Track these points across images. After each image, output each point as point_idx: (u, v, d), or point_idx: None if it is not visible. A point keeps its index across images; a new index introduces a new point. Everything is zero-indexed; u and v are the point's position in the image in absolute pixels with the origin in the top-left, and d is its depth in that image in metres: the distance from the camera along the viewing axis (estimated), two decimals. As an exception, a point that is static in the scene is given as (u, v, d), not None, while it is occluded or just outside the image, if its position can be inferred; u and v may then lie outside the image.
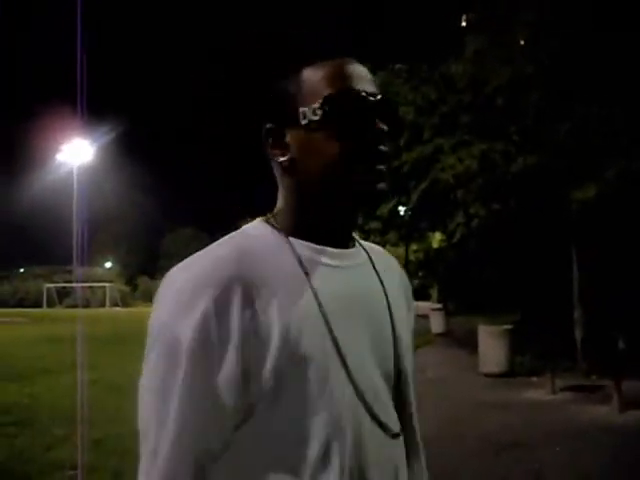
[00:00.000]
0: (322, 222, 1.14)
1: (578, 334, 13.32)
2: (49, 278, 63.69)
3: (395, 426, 1.15)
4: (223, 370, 0.99)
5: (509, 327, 13.04)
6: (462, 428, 8.03)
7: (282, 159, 1.13)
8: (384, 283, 1.21)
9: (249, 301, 1.01)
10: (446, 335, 22.06)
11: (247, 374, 1.00)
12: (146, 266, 71.97)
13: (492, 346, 12.62)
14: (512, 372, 12.42)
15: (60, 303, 59.30)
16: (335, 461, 1.03)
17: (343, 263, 1.14)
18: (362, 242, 1.28)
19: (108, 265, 75.37)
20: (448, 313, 23.83)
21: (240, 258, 1.05)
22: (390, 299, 1.20)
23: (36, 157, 68.52)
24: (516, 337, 12.88)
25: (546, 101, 12.22)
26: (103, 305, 58.13)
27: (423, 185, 16.52)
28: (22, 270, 71.10)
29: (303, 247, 1.11)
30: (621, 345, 10.46)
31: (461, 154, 13.98)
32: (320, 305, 1.06)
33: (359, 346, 1.11)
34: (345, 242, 1.18)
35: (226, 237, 1.13)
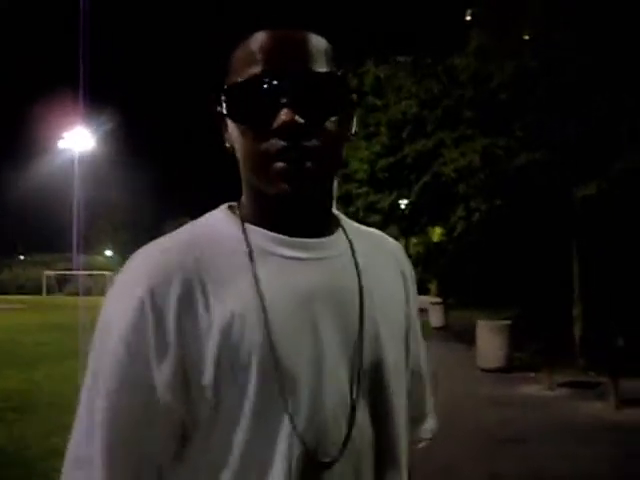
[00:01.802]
0: (271, 212, 1.04)
1: (577, 331, 13.33)
2: (49, 265, 63.67)
3: (333, 451, 0.98)
4: (159, 368, 0.93)
5: (508, 322, 13.05)
6: (459, 423, 8.04)
7: (227, 145, 1.08)
8: (361, 274, 1.07)
9: (189, 295, 0.95)
10: (445, 329, 22.06)
11: (186, 376, 0.93)
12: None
13: (490, 341, 12.63)
14: (510, 367, 12.43)
15: (60, 290, 59.31)
16: None
17: (306, 254, 1.03)
18: (354, 228, 1.17)
19: (108, 253, 75.43)
20: (447, 307, 23.83)
21: (188, 248, 0.99)
22: (367, 290, 1.06)
23: (38, 145, 68.57)
24: (515, 332, 12.89)
25: (550, 97, 12.20)
26: (103, 293, 57.91)
27: (425, 178, 16.55)
28: (22, 257, 71.10)
29: (259, 236, 1.02)
30: (620, 342, 10.47)
31: (463, 148, 13.97)
32: (263, 303, 0.96)
33: (307, 346, 0.98)
34: (314, 231, 1.05)
35: (187, 224, 1.08)
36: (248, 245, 1.01)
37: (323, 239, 1.06)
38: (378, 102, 19.48)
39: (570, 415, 8.61)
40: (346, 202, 22.37)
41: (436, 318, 22.96)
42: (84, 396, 0.98)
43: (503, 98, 13.04)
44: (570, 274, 13.68)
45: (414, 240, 32.68)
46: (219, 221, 1.06)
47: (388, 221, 22.70)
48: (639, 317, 12.64)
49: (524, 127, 13.42)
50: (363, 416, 1.02)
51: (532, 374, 11.68)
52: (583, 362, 12.46)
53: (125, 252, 75.06)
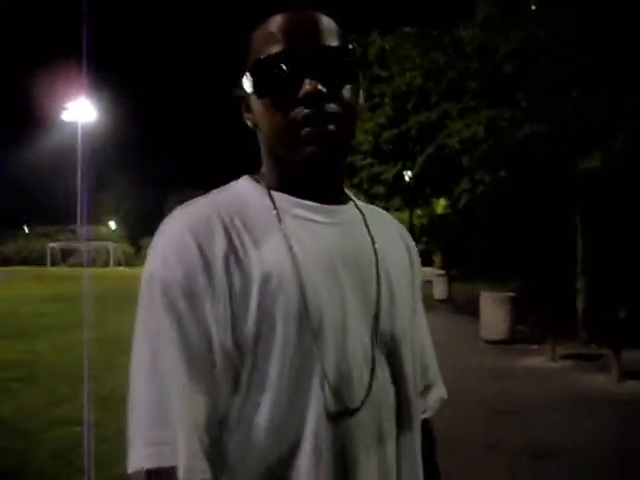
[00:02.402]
0: (295, 179, 1.13)
1: (580, 303, 13.35)
2: (53, 237, 63.84)
3: (357, 400, 1.07)
4: (211, 309, 1.00)
5: (511, 294, 13.07)
6: (461, 394, 8.08)
7: (249, 124, 1.19)
8: (375, 241, 1.18)
9: (231, 243, 1.03)
10: (448, 301, 22.12)
11: (234, 318, 1.01)
12: (150, 226, 71.95)
13: (494, 313, 12.66)
14: (513, 339, 12.47)
15: (64, 262, 59.55)
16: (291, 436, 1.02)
17: (326, 219, 1.13)
18: (361, 203, 1.27)
19: (112, 225, 75.50)
20: (451, 279, 23.86)
21: (222, 206, 1.08)
22: (380, 257, 1.16)
23: (40, 116, 68.25)
24: (518, 304, 12.91)
25: (556, 68, 12.11)
26: (107, 265, 58.36)
27: (429, 150, 16.48)
28: (26, 229, 71.24)
29: (284, 200, 1.12)
30: (622, 315, 10.48)
31: (468, 120, 13.89)
32: (295, 259, 1.05)
33: (334, 303, 1.07)
34: (331, 198, 1.16)
35: (212, 191, 1.16)
36: (275, 207, 1.10)
37: (341, 206, 1.18)
38: (383, 73, 19.36)
39: (572, 387, 8.64)
40: (350, 173, 22.32)
41: (440, 290, 23.01)
42: (143, 357, 1.02)
43: (508, 70, 12.95)
44: (573, 247, 13.66)
45: (418, 212, 32.63)
46: (244, 187, 1.16)
47: (392, 193, 22.67)
48: (642, 290, 12.64)
49: (528, 98, 13.34)
50: (382, 372, 1.12)
51: (535, 346, 11.72)
52: (586, 334, 12.49)
53: (128, 223, 75.31)
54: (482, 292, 13.40)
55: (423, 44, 17.47)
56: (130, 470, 0.98)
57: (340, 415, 1.05)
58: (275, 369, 1.01)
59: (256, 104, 1.12)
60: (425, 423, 1.31)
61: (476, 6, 14.22)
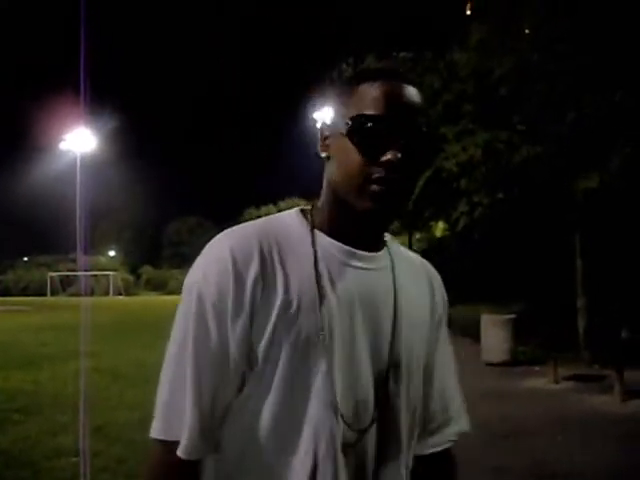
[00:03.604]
0: (346, 222, 1.26)
1: (581, 323, 13.32)
2: (53, 267, 63.80)
3: (362, 423, 1.21)
4: (233, 325, 1.15)
5: (512, 316, 13.05)
6: (464, 417, 8.04)
7: (323, 154, 1.29)
8: (398, 287, 1.30)
9: (264, 270, 1.18)
10: (449, 324, 21.96)
11: (250, 338, 1.16)
12: (149, 255, 72.00)
13: (495, 335, 12.64)
14: (515, 361, 12.44)
15: (64, 291, 59.46)
16: (298, 449, 1.17)
17: (360, 264, 1.25)
18: (399, 248, 1.42)
19: (112, 254, 75.41)
20: (451, 302, 23.77)
21: (265, 234, 1.23)
22: (400, 303, 1.28)
23: (39, 146, 68.51)
24: (519, 326, 12.88)
25: (551, 90, 12.18)
26: (107, 294, 58.23)
27: (427, 173, 16.49)
28: (26, 259, 71.20)
29: (325, 241, 1.25)
30: (624, 334, 10.45)
31: (465, 143, 13.94)
32: (320, 293, 1.19)
33: (350, 341, 1.21)
34: (371, 246, 1.29)
35: (262, 218, 1.32)
36: (314, 245, 1.24)
37: (376, 253, 1.30)
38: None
39: (576, 408, 8.60)
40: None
41: (440, 313, 22.97)
42: (170, 358, 1.20)
43: (503, 92, 13.02)
44: (573, 267, 13.66)
45: (417, 235, 32.60)
46: (291, 221, 1.29)
47: (391, 217, 22.66)
48: (643, 309, 12.61)
49: (525, 120, 13.40)
50: (388, 403, 1.25)
51: (537, 367, 11.69)
52: (588, 355, 12.46)
53: (128, 252, 75.25)
54: (483, 314, 13.38)
55: (418, 68, 17.57)
56: (150, 436, 1.20)
57: (344, 441, 1.18)
58: (277, 387, 1.16)
59: (339, 143, 1.24)
60: (444, 452, 1.45)
61: (469, 29, 14.32)
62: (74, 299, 45.96)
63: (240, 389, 1.19)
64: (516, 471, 6.01)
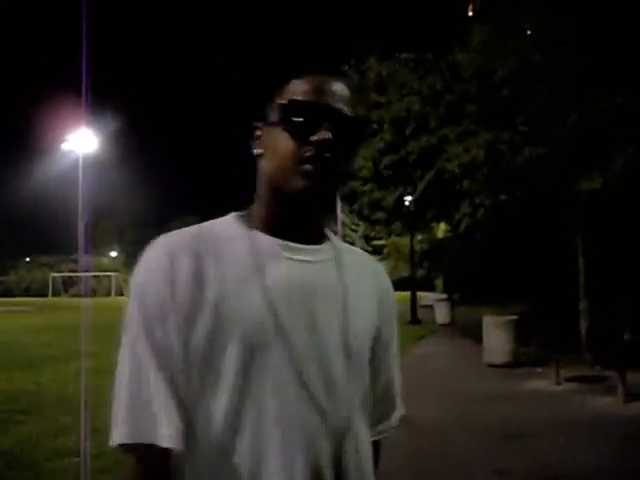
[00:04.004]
0: (280, 214, 1.29)
1: (583, 325, 13.30)
2: (55, 267, 63.86)
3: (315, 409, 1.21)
4: (176, 329, 1.18)
5: (514, 318, 13.03)
6: (466, 419, 8.04)
7: (256, 152, 1.34)
8: (345, 279, 1.32)
9: (197, 274, 1.20)
10: (451, 326, 22.08)
11: (193, 339, 1.18)
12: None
13: (497, 337, 12.62)
14: (517, 362, 12.42)
15: (65, 292, 59.51)
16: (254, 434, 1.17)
17: (298, 257, 1.27)
18: (341, 243, 1.42)
19: (113, 254, 75.48)
20: (453, 304, 23.81)
21: (200, 234, 1.27)
22: (348, 294, 1.31)
23: (42, 146, 68.56)
24: (521, 328, 12.87)
25: (553, 91, 12.16)
26: (109, 294, 58.26)
27: (429, 175, 16.52)
28: (28, 259, 71.25)
29: (260, 238, 1.28)
30: (626, 336, 10.43)
31: (467, 144, 13.94)
32: (265, 289, 1.21)
33: (299, 331, 1.22)
34: (309, 238, 1.30)
35: (199, 224, 1.33)
36: (252, 243, 1.26)
37: (318, 246, 1.32)
38: (381, 99, 19.44)
39: (578, 410, 8.59)
40: (351, 200, 22.35)
41: (442, 315, 22.98)
42: (124, 354, 1.22)
43: (506, 93, 13.01)
44: (576, 268, 13.65)
45: (419, 237, 32.60)
46: (228, 223, 1.32)
47: (393, 218, 22.66)
48: (645, 311, 12.59)
49: (527, 121, 13.39)
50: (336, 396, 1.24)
51: (539, 369, 11.67)
52: (590, 356, 12.44)
53: (130, 253, 75.22)
54: (484, 316, 13.36)
55: (420, 69, 17.58)
56: (112, 444, 1.19)
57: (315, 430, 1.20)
58: (225, 374, 1.18)
59: (271, 135, 1.29)
60: (378, 443, 1.47)
61: (471, 30, 14.31)
62: (76, 300, 46.01)
63: (196, 386, 1.19)
64: (518, 473, 5.99)
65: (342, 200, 24.64)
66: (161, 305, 1.19)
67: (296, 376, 1.19)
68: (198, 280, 1.20)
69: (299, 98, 1.26)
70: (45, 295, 56.98)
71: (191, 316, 1.18)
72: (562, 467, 6.12)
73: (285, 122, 1.26)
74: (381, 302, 1.42)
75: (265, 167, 1.30)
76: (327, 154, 1.22)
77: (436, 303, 23.88)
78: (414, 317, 23.20)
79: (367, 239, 61.31)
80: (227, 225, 1.32)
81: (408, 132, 17.41)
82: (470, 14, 15.66)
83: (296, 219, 1.29)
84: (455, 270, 32.91)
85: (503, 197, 14.15)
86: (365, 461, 1.31)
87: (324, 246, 1.34)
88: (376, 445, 1.45)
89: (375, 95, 19.72)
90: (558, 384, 10.32)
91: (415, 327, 21.59)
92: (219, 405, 1.17)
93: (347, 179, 1.36)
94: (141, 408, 1.17)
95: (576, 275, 13.63)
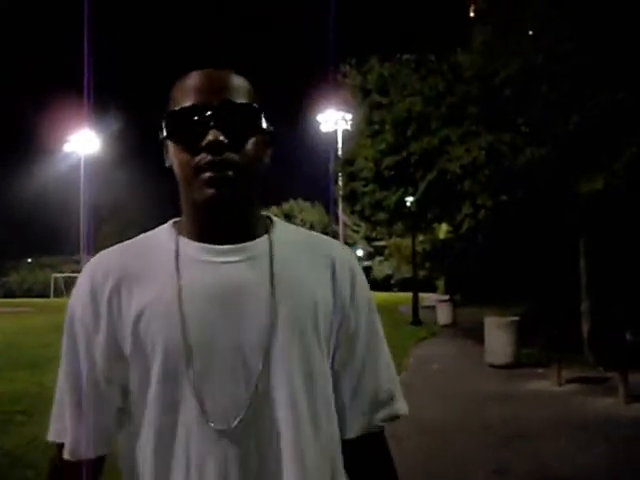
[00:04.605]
0: (198, 220, 1.28)
1: (585, 326, 13.29)
2: (57, 268, 63.81)
3: (224, 421, 1.18)
4: (95, 340, 1.24)
5: (516, 319, 13.03)
6: (468, 419, 8.04)
7: (167, 164, 1.31)
8: (275, 274, 1.26)
9: (119, 287, 1.23)
10: (452, 327, 22.05)
11: (118, 349, 1.22)
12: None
13: (498, 337, 12.61)
14: (518, 363, 12.41)
15: (67, 293, 59.41)
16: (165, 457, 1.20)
17: (222, 259, 1.25)
18: (286, 233, 1.36)
19: (115, 255, 75.37)
20: (455, 304, 23.79)
21: (127, 251, 1.31)
22: (277, 290, 1.24)
23: (44, 147, 68.69)
24: (523, 328, 12.86)
25: (555, 91, 12.15)
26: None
27: (430, 176, 16.51)
28: (29, 260, 71.23)
29: (186, 245, 1.27)
30: (628, 337, 10.43)
31: (469, 145, 13.94)
32: (179, 296, 1.20)
33: (213, 335, 1.20)
34: (236, 238, 1.27)
35: (139, 236, 1.37)
36: (176, 252, 1.26)
37: (241, 245, 1.27)
38: (382, 100, 19.41)
39: (579, 411, 8.59)
40: (352, 200, 22.33)
41: (444, 315, 22.95)
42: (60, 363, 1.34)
43: (507, 94, 13.00)
44: (577, 269, 13.64)
45: (421, 237, 32.55)
46: (161, 232, 1.34)
47: (394, 219, 22.61)
48: (647, 312, 12.58)
49: (529, 122, 13.38)
50: (266, 394, 1.21)
51: (540, 370, 11.66)
52: (592, 357, 12.44)
53: (132, 253, 75.04)
54: (486, 317, 13.36)
55: (421, 70, 17.56)
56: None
57: (213, 435, 1.18)
58: (149, 387, 1.20)
59: (170, 148, 1.27)
60: (370, 439, 1.39)
61: (472, 31, 14.31)
62: (78, 300, 45.83)
63: (119, 395, 1.25)
64: (519, 474, 6.00)
65: (343, 201, 24.65)
66: (85, 321, 1.25)
67: (194, 391, 1.18)
68: (119, 296, 1.23)
69: (176, 107, 1.22)
70: (47, 296, 56.93)
71: (114, 332, 1.22)
72: (563, 468, 6.12)
73: (172, 136, 1.24)
74: (338, 291, 1.32)
75: (177, 177, 1.28)
76: (224, 155, 1.19)
77: (438, 304, 23.84)
78: (416, 318, 23.17)
79: (369, 240, 61.40)
80: (161, 233, 1.34)
81: (409, 133, 17.37)
82: (472, 15, 15.65)
83: (211, 225, 1.27)
84: (457, 271, 32.86)
85: (504, 198, 14.14)
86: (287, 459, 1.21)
87: (256, 242, 1.29)
88: (368, 440, 1.38)
89: (377, 96, 19.71)
90: (560, 385, 10.32)
91: (417, 328, 21.55)
92: (138, 419, 1.23)
93: (259, 170, 1.29)
94: (60, 414, 1.31)
95: (578, 276, 13.62)
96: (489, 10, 13.88)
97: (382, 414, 1.40)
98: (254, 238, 1.29)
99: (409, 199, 19.93)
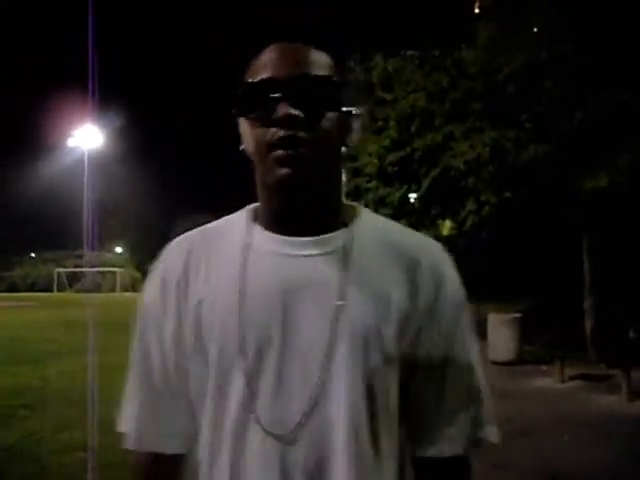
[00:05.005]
0: (273, 207, 1.20)
1: (588, 323, 13.29)
2: (60, 263, 63.90)
3: (282, 427, 1.09)
4: (166, 328, 1.20)
5: (519, 315, 13.03)
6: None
7: (242, 147, 1.22)
8: (350, 271, 1.14)
9: (186, 277, 1.20)
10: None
11: (182, 341, 1.19)
12: (156, 252, 71.60)
13: (501, 334, 12.61)
14: (521, 360, 12.42)
15: (70, 287, 59.55)
16: (212, 452, 1.15)
17: (295, 252, 1.15)
18: (373, 225, 1.25)
19: (118, 250, 75.49)
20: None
21: (201, 237, 1.27)
22: (350, 289, 1.12)
23: (47, 142, 68.73)
24: (525, 325, 12.87)
25: (559, 88, 12.14)
26: (114, 290, 58.27)
27: (434, 172, 16.48)
28: (33, 255, 71.35)
29: (259, 234, 1.20)
30: (631, 335, 10.42)
31: (473, 141, 13.92)
32: (242, 289, 1.14)
33: (272, 333, 1.11)
34: (313, 230, 1.16)
35: (217, 220, 1.32)
36: (247, 241, 1.20)
37: (318, 237, 1.17)
38: (387, 96, 19.40)
39: (582, 408, 8.59)
40: (355, 196, 22.33)
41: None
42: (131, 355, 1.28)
43: (511, 90, 12.99)
44: (581, 267, 13.63)
45: (424, 234, 32.51)
46: (237, 217, 1.28)
47: (398, 215, 22.61)
48: (651, 309, 12.57)
49: (533, 119, 13.37)
50: (329, 398, 1.10)
51: (543, 367, 11.66)
52: (594, 355, 12.43)
53: (135, 249, 75.29)
54: (489, 313, 13.35)
55: (425, 66, 17.53)
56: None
57: (269, 438, 1.10)
58: (208, 381, 1.15)
59: (243, 126, 1.19)
60: (447, 463, 1.25)
61: (477, 27, 14.29)
62: (81, 295, 46.05)
63: (186, 392, 1.20)
64: (522, 470, 6.00)
65: (347, 197, 24.55)
66: (155, 311, 1.22)
67: (249, 392, 1.10)
68: (185, 284, 1.20)
69: (250, 80, 1.14)
70: (50, 290, 57.02)
71: (181, 321, 1.18)
72: (566, 465, 6.12)
73: (244, 110, 1.16)
74: (416, 295, 1.17)
75: (252, 159, 1.18)
76: (298, 131, 1.09)
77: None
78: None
79: (372, 236, 61.39)
80: (235, 220, 1.27)
81: (413, 129, 17.36)
82: (476, 11, 15.60)
83: (285, 211, 1.17)
84: (460, 268, 32.74)
85: (508, 194, 14.13)
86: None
87: (335, 234, 1.18)
88: (446, 463, 1.24)
89: (381, 92, 19.69)
90: (562, 382, 10.32)
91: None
92: (199, 412, 1.18)
93: (339, 151, 1.20)
94: (131, 402, 1.26)
95: (581, 273, 13.61)
96: (494, 6, 13.86)
97: (465, 437, 1.26)
98: (334, 229, 1.19)
99: (413, 195, 19.92)
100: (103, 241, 67.98)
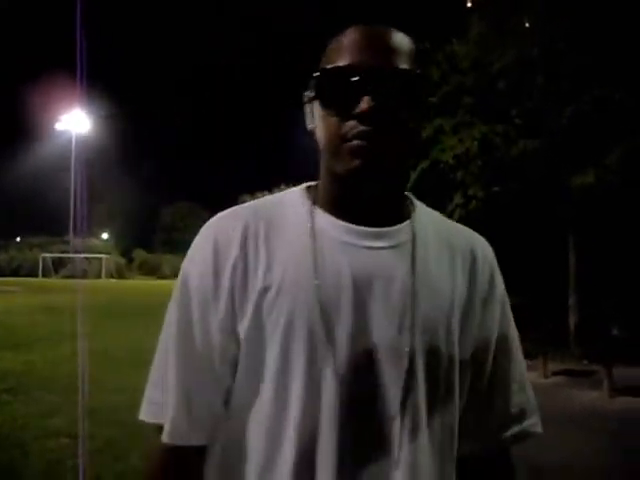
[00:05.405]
0: (340, 194, 1.15)
1: (572, 319, 13.36)
2: (46, 248, 63.59)
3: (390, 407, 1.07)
4: (215, 310, 1.12)
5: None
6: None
7: (309, 127, 1.18)
8: (417, 267, 1.12)
9: (244, 257, 1.12)
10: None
11: (233, 324, 1.11)
12: (143, 239, 71.95)
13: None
14: (505, 355, 12.46)
15: (56, 273, 59.30)
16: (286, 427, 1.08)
17: (364, 243, 1.11)
18: (431, 219, 1.24)
19: (105, 236, 75.22)
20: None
21: (255, 213, 1.17)
22: (418, 285, 1.11)
23: (35, 127, 68.30)
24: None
25: (550, 85, 12.17)
26: (99, 276, 58.09)
27: (423, 165, 16.50)
28: (18, 239, 70.96)
29: (324, 220, 1.14)
30: (614, 332, 10.49)
31: (462, 135, 13.94)
32: (315, 276, 1.08)
33: (348, 324, 1.07)
34: (378, 220, 1.14)
35: (264, 197, 1.25)
36: (312, 225, 1.13)
37: (386, 229, 1.14)
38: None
39: (564, 403, 8.63)
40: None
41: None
42: (160, 342, 1.19)
43: (502, 85, 13.02)
44: (566, 263, 13.69)
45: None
46: (292, 198, 1.20)
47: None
48: (633, 306, 12.66)
49: (522, 114, 13.40)
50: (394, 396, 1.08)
51: (528, 362, 11.58)
52: (578, 351, 12.50)
53: (122, 235, 75.08)
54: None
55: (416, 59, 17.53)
56: (139, 417, 1.18)
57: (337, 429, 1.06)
58: (266, 369, 1.09)
59: (316, 110, 1.13)
60: (493, 458, 1.28)
61: (469, 21, 14.29)
62: (66, 281, 45.85)
63: (229, 375, 1.13)
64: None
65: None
66: (203, 289, 1.13)
67: (336, 381, 1.05)
68: (244, 265, 1.11)
69: (331, 65, 1.09)
70: (35, 276, 56.76)
71: (234, 303, 1.10)
72: (547, 460, 6.15)
73: (321, 97, 1.10)
74: (474, 286, 1.20)
75: (319, 145, 1.15)
76: (378, 127, 1.04)
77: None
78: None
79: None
80: (291, 200, 1.20)
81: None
82: (469, 5, 15.60)
83: (355, 201, 1.13)
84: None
85: (496, 189, 14.17)
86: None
87: (400, 227, 1.16)
88: (491, 459, 1.27)
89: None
90: (546, 377, 10.38)
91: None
92: (251, 398, 1.11)
93: (414, 144, 1.14)
94: (162, 391, 1.15)
95: (566, 270, 13.67)
96: (486, 2, 13.86)
97: (511, 431, 1.28)
98: (397, 222, 1.16)
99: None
100: (90, 227, 67.74)
